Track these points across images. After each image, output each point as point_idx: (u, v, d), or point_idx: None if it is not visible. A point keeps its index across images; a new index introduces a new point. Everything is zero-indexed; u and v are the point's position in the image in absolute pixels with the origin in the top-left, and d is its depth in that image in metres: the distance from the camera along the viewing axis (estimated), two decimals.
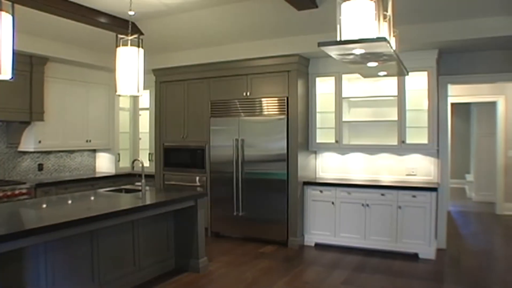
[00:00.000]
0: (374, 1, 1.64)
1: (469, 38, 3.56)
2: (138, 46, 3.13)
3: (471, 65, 4.09)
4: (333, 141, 4.35)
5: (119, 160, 5.38)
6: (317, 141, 4.47)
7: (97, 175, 5.13)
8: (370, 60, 1.84)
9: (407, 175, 4.22)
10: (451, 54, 4.10)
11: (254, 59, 4.40)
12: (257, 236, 4.44)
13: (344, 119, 4.33)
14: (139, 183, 3.57)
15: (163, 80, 5.08)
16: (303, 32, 3.96)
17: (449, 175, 5.96)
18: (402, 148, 4.07)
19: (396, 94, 4.06)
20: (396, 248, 3.91)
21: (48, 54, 4.31)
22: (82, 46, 4.58)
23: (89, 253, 2.82)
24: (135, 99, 5.57)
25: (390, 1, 2.03)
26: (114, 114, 5.39)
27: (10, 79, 2.12)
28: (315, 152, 4.63)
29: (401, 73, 2.20)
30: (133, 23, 4.44)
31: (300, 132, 4.29)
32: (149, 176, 5.20)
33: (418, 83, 4.04)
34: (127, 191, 3.68)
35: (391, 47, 1.58)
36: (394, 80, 4.01)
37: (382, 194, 3.97)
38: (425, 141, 3.96)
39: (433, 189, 3.82)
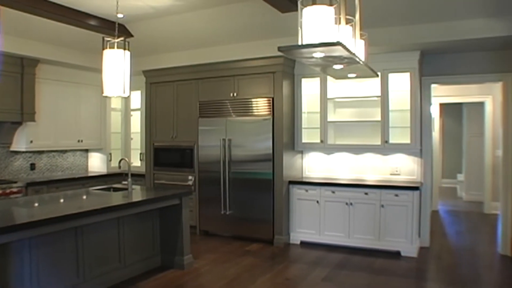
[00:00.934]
0: (334, 7, 1.71)
1: (450, 40, 3.63)
2: (124, 49, 3.22)
3: (454, 66, 4.16)
4: (318, 141, 4.43)
5: (110, 160, 5.46)
6: (303, 141, 4.54)
7: (89, 175, 5.22)
8: (334, 63, 1.91)
9: (391, 174, 4.29)
10: (434, 55, 4.17)
11: (241, 61, 4.48)
12: (244, 235, 4.51)
13: (329, 119, 4.40)
14: (125, 182, 3.66)
15: (153, 81, 5.17)
16: (287, 34, 4.03)
17: (432, 174, 6.01)
18: (386, 148, 4.14)
19: (379, 94, 4.13)
20: (379, 246, 3.98)
21: (39, 56, 4.39)
22: (73, 47, 4.67)
23: (74, 250, 2.91)
24: (126, 99, 5.65)
25: (358, 6, 2.11)
26: (106, 114, 5.47)
27: None
28: (302, 152, 4.70)
29: (369, 75, 2.27)
30: (122, 26, 4.53)
31: (285, 132, 4.37)
32: (140, 176, 5.32)
33: (401, 84, 4.11)
34: (115, 189, 3.77)
35: (349, 51, 1.65)
36: (377, 81, 4.08)
37: (366, 193, 4.04)
38: (408, 141, 4.03)
39: (415, 188, 3.89)
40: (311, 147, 4.56)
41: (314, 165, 4.69)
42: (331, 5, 1.70)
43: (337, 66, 1.99)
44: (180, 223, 3.53)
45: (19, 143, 4.55)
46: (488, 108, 5.88)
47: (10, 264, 2.52)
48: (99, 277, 3.08)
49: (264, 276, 3.42)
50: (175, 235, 3.56)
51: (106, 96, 3.67)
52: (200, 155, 4.78)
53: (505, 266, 3.68)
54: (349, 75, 2.50)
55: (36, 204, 3.21)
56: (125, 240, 3.30)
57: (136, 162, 5.50)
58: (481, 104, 6.20)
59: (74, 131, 5.06)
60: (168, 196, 3.43)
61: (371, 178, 4.35)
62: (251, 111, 4.45)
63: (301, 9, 1.72)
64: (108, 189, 3.80)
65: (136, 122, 5.61)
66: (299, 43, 1.72)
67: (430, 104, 4.34)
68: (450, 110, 8.26)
